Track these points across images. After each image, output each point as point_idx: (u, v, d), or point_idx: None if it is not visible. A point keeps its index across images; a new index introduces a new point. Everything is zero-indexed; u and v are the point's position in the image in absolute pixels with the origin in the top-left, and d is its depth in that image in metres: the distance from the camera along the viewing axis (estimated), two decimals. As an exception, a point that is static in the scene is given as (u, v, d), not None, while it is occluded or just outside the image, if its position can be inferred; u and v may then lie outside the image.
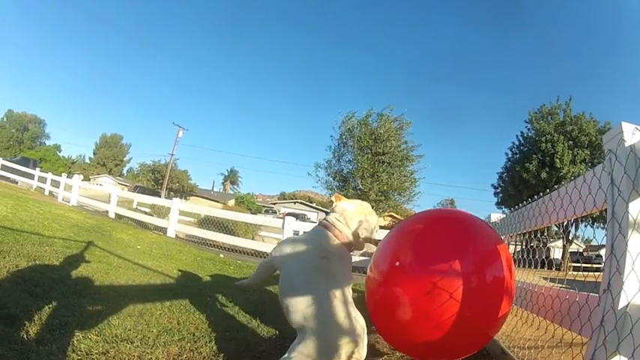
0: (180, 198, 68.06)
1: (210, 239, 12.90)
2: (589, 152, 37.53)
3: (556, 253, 46.34)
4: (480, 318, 2.60)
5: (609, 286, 1.92)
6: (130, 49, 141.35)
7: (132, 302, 4.08)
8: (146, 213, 19.34)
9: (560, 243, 45.04)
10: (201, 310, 4.30)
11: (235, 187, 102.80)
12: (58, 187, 21.07)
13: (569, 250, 42.22)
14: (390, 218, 38.06)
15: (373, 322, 3.01)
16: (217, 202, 73.03)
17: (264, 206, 74.65)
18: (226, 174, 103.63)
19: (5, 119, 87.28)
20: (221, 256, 10.71)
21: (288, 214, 40.12)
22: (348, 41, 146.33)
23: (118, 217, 16.48)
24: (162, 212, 18.44)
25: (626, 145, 1.97)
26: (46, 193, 22.49)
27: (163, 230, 13.60)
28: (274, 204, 78.21)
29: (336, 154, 26.03)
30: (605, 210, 2.14)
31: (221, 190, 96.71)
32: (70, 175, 24.96)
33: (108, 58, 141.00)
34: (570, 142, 38.20)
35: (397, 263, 2.85)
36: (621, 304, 1.81)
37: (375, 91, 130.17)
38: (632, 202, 1.89)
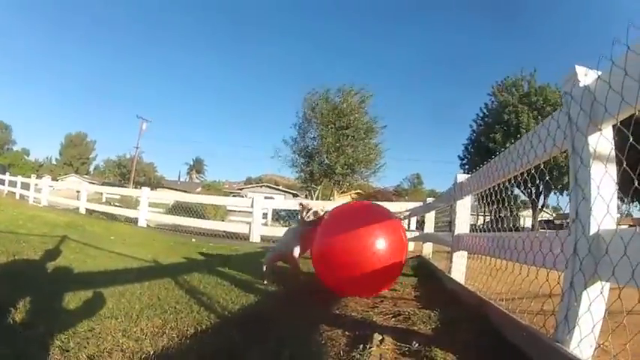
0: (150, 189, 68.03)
1: (182, 225, 12.87)
2: None
3: (526, 223, 47.33)
4: (385, 265, 4.17)
5: (577, 214, 2.04)
6: (85, 44, 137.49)
7: (112, 284, 4.16)
8: (116, 205, 19.18)
9: (528, 212, 46.15)
10: (180, 287, 4.44)
11: (202, 175, 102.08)
12: (29, 190, 21.12)
13: (540, 219, 43.04)
14: (356, 195, 38.27)
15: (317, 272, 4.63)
16: (184, 191, 72.44)
17: (231, 192, 74.12)
18: (192, 163, 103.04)
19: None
20: (193, 240, 10.80)
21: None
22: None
23: (89, 212, 16.45)
24: (131, 203, 18.30)
25: (581, 85, 2.12)
26: (17, 197, 22.50)
27: (134, 221, 13.56)
28: (241, 189, 77.65)
29: (301, 131, 25.97)
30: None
31: (187, 180, 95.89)
32: (38, 177, 24.79)
33: (65, 56, 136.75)
34: (535, 111, 38.87)
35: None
36: (592, 230, 1.91)
37: (337, 64, 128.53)
38: (590, 135, 2.02)
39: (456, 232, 5.05)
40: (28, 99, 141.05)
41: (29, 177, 22.80)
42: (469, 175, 5.08)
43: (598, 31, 76.89)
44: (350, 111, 24.14)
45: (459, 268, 4.92)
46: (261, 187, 75.26)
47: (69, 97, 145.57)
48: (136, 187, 64.32)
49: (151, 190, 50.18)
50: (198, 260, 7.08)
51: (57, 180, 73.14)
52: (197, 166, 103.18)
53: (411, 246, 9.02)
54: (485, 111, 45.16)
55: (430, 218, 8.75)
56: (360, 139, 24.31)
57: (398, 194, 73.19)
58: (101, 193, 24.53)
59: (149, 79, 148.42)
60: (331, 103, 24.72)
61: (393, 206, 11.61)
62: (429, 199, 9.21)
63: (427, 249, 8.57)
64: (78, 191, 17.73)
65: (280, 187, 71.85)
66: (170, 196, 16.19)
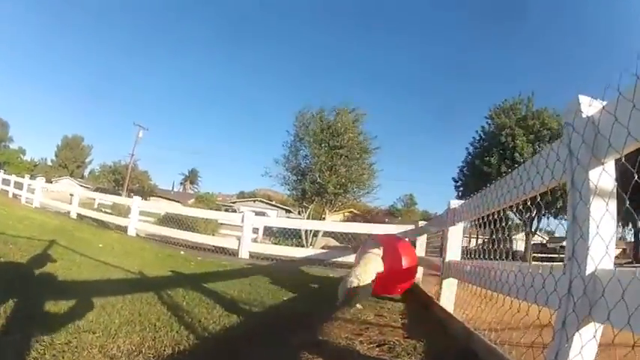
0: (141, 198, 67.78)
1: (171, 237, 12.78)
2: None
3: (519, 246, 47.46)
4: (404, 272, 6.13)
5: (574, 253, 1.98)
6: (87, 44, 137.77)
7: (93, 296, 4.06)
8: (107, 212, 19.07)
9: (521, 235, 46.31)
10: (163, 303, 4.32)
11: (195, 186, 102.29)
12: (22, 190, 21.16)
13: (532, 242, 43.17)
14: (349, 213, 38.10)
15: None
16: (177, 201, 72.24)
17: (223, 205, 73.81)
18: (187, 174, 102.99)
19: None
20: (182, 252, 10.66)
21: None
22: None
23: (80, 217, 16.41)
24: (122, 211, 18.18)
25: (584, 116, 2.05)
26: (10, 195, 22.55)
27: (124, 229, 13.44)
28: (234, 202, 77.47)
29: (293, 149, 25.66)
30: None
31: (181, 190, 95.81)
32: (32, 177, 24.72)
33: (66, 56, 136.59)
34: (531, 135, 38.93)
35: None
36: (589, 270, 1.85)
37: (332, 86, 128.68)
38: (591, 170, 1.95)
39: (447, 259, 4.99)
40: (28, 97, 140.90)
41: (23, 177, 22.70)
42: (462, 202, 5.02)
43: (601, 57, 77.94)
44: (344, 130, 23.86)
45: (448, 296, 4.87)
46: (254, 201, 75.12)
47: (68, 98, 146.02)
48: (129, 195, 64.28)
49: (144, 198, 50.15)
50: (184, 275, 6.92)
51: (51, 182, 73.40)
52: (191, 177, 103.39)
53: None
54: (481, 134, 45.27)
55: (422, 242, 8.65)
56: (353, 159, 24.01)
57: (391, 214, 73.18)
58: (94, 199, 24.32)
59: (148, 86, 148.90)
60: (325, 122, 24.51)
61: (386, 228, 11.58)
62: (421, 223, 9.13)
63: (417, 273, 8.46)
64: (71, 194, 17.63)
65: (273, 203, 71.77)
66: (161, 206, 16.11)
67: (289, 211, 58.65)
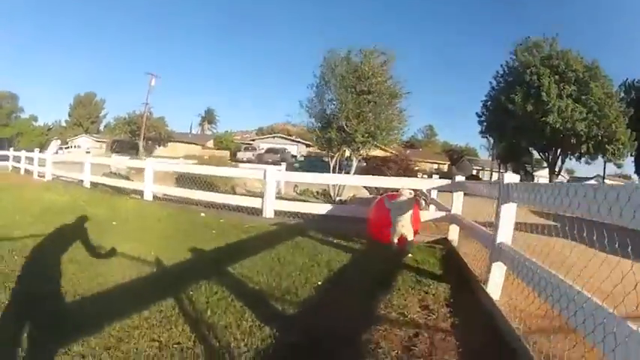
0: (159, 145, 67.85)
1: (190, 197, 12.36)
2: (576, 88, 37.50)
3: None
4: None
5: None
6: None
7: (101, 320, 3.53)
8: (121, 176, 18.90)
9: (544, 172, 46.38)
10: (185, 315, 3.87)
11: (213, 126, 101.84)
12: (32, 164, 21.10)
13: (555, 182, 43.36)
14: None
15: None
16: (195, 144, 72.35)
17: (242, 143, 73.85)
18: (203, 115, 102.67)
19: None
20: (202, 215, 10.36)
21: (269, 150, 39.99)
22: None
23: (94, 185, 16.06)
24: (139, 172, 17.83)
25: None
26: (22, 172, 22.52)
27: (140, 193, 13.03)
28: (253, 140, 77.34)
29: (318, 93, 24.22)
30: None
31: (199, 132, 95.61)
32: (47, 142, 24.49)
33: (68, 11, 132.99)
34: (556, 76, 37.98)
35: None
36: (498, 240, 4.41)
37: (358, 25, 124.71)
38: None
39: (497, 240, 4.45)
40: (33, 64, 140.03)
41: (38, 146, 22.66)
42: (519, 181, 4.51)
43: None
44: (372, 74, 22.34)
45: (497, 281, 4.45)
46: (273, 137, 75.30)
47: (74, 56, 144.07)
48: (146, 143, 64.74)
49: (162, 145, 49.97)
50: (206, 256, 6.40)
51: (67, 143, 73.56)
52: (209, 117, 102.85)
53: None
54: (505, 69, 44.30)
55: (458, 199, 8.12)
56: (382, 105, 22.66)
57: (412, 146, 72.61)
58: (109, 166, 23.81)
59: (157, 32, 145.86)
60: (352, 64, 23.03)
61: (415, 183, 11.38)
62: (458, 177, 8.56)
63: (453, 232, 8.04)
64: (88, 152, 17.43)
65: (293, 137, 71.44)
66: (176, 167, 15.64)
67: (309, 145, 58.21)
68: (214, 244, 7.15)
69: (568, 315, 2.66)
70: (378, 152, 28.81)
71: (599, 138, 37.49)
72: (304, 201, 16.76)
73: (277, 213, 10.32)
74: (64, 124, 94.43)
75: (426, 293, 4.77)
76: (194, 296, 4.39)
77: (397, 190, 7.54)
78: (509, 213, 4.45)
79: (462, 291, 4.93)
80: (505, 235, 4.45)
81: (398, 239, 6.95)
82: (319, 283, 5.16)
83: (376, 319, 4.01)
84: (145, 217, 9.57)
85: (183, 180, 15.93)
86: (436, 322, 4.02)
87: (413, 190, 7.39)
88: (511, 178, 4.66)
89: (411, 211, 7.00)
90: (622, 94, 41.70)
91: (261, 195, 10.66)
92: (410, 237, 6.98)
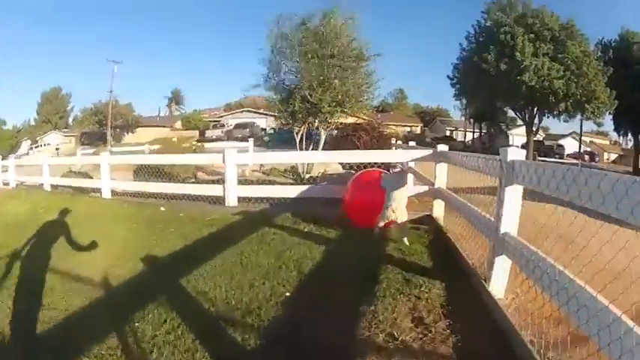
0: (127, 132, 66.64)
1: (149, 191, 11.53)
2: (552, 47, 37.16)
3: (515, 141, 47.70)
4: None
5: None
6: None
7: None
8: (82, 174, 18.24)
9: (520, 131, 46.85)
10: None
11: (181, 106, 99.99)
12: None
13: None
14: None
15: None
16: (164, 127, 71.42)
17: (211, 121, 72.96)
18: (170, 96, 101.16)
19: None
20: (162, 209, 9.65)
21: (238, 125, 39.00)
22: None
23: (54, 187, 15.27)
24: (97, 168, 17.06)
25: None
26: None
27: (99, 191, 12.19)
28: (221, 117, 76.22)
29: (272, 67, 22.35)
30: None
31: (167, 114, 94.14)
32: (17, 144, 23.27)
33: (20, 10, 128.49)
34: (531, 34, 37.67)
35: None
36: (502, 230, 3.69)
37: None
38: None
39: (501, 230, 3.62)
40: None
41: (9, 149, 21.58)
42: (524, 159, 3.58)
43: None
44: (334, 36, 20.52)
45: (501, 279, 3.75)
46: (242, 112, 74.50)
47: (35, 54, 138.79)
48: (114, 132, 63.47)
49: (130, 132, 48.98)
50: (160, 263, 5.78)
51: (36, 141, 71.99)
52: (176, 98, 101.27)
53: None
54: (477, 28, 43.52)
55: (442, 170, 7.25)
56: (349, 69, 20.81)
57: (383, 111, 71.86)
58: (68, 165, 22.75)
59: (117, 17, 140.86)
60: (310, 29, 21.09)
61: (391, 156, 11.11)
62: (441, 147, 7.71)
63: (438, 208, 7.29)
64: (57, 148, 16.56)
65: (262, 111, 70.43)
66: (131, 158, 14.89)
67: (279, 118, 56.53)
68: (171, 245, 6.56)
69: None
70: (350, 119, 27.11)
71: (578, 97, 37.13)
72: (270, 182, 15.83)
73: (241, 199, 9.50)
74: (33, 122, 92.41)
75: (418, 298, 3.93)
76: (139, 328, 3.69)
77: (372, 165, 7.49)
78: (515, 197, 3.57)
79: (459, 291, 4.09)
80: (510, 223, 3.62)
81: (385, 224, 6.16)
82: (287, 294, 4.35)
83: (359, 348, 3.22)
84: (100, 218, 8.82)
85: (143, 171, 15.20)
86: (433, 344, 3.21)
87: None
88: (516, 155, 3.67)
89: (406, 187, 6.58)
90: (599, 54, 41.21)
91: (223, 181, 9.77)
92: (404, 218, 6.11)
